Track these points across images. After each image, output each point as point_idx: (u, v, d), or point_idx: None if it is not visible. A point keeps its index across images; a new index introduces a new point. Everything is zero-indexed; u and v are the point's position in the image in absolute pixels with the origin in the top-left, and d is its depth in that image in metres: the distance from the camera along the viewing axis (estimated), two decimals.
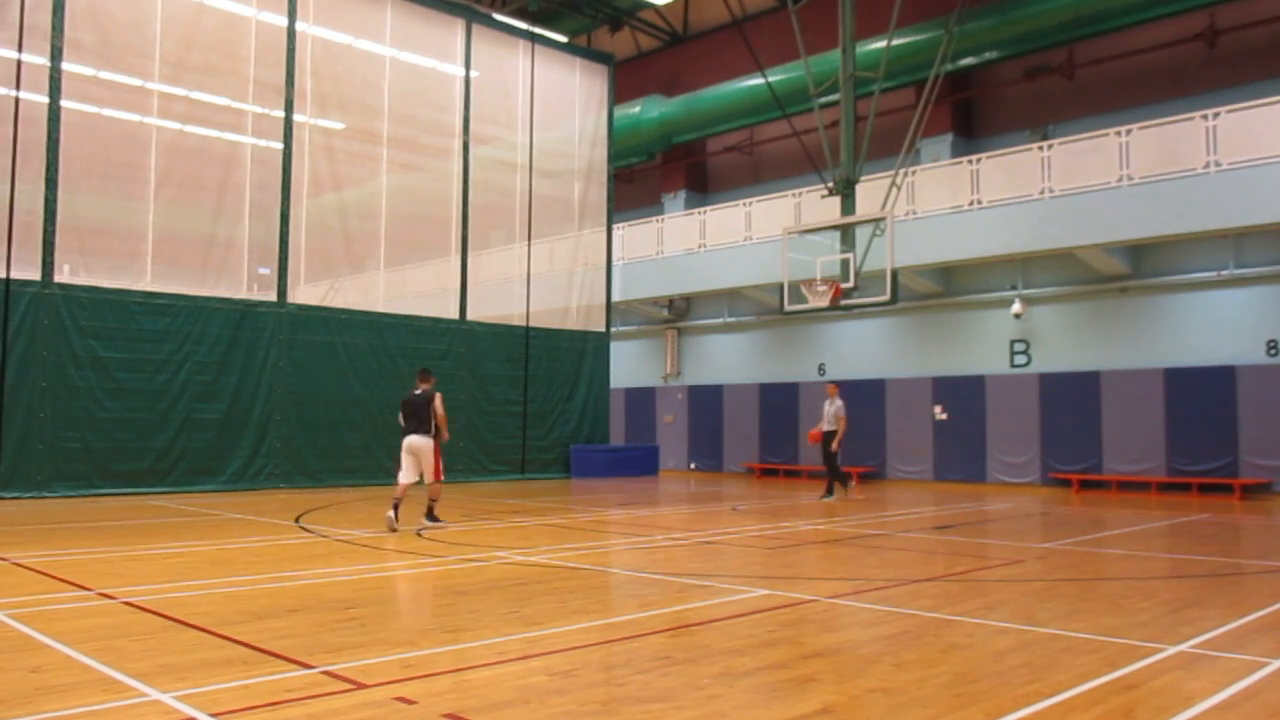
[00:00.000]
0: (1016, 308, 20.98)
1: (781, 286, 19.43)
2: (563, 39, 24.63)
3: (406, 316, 20.74)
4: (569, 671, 5.00)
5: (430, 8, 21.13)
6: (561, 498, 17.41)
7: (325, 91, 19.49)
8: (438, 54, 21.50)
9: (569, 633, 5.96)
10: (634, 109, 28.10)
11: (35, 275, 15.88)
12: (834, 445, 17.02)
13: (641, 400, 28.62)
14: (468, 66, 21.74)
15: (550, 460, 23.04)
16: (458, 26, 21.69)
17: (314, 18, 19.31)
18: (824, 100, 19.83)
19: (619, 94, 26.62)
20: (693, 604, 6.97)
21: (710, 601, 7.07)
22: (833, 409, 17.01)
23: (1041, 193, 19.42)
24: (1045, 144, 19.84)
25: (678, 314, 28.07)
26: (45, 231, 15.94)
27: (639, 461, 24.51)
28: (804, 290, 18.75)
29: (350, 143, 20.02)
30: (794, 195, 23.58)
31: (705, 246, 25.35)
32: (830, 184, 19.43)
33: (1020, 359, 21.21)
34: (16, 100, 15.73)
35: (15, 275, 15.67)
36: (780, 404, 25.07)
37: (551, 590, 7.47)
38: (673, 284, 26.22)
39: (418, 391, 12.24)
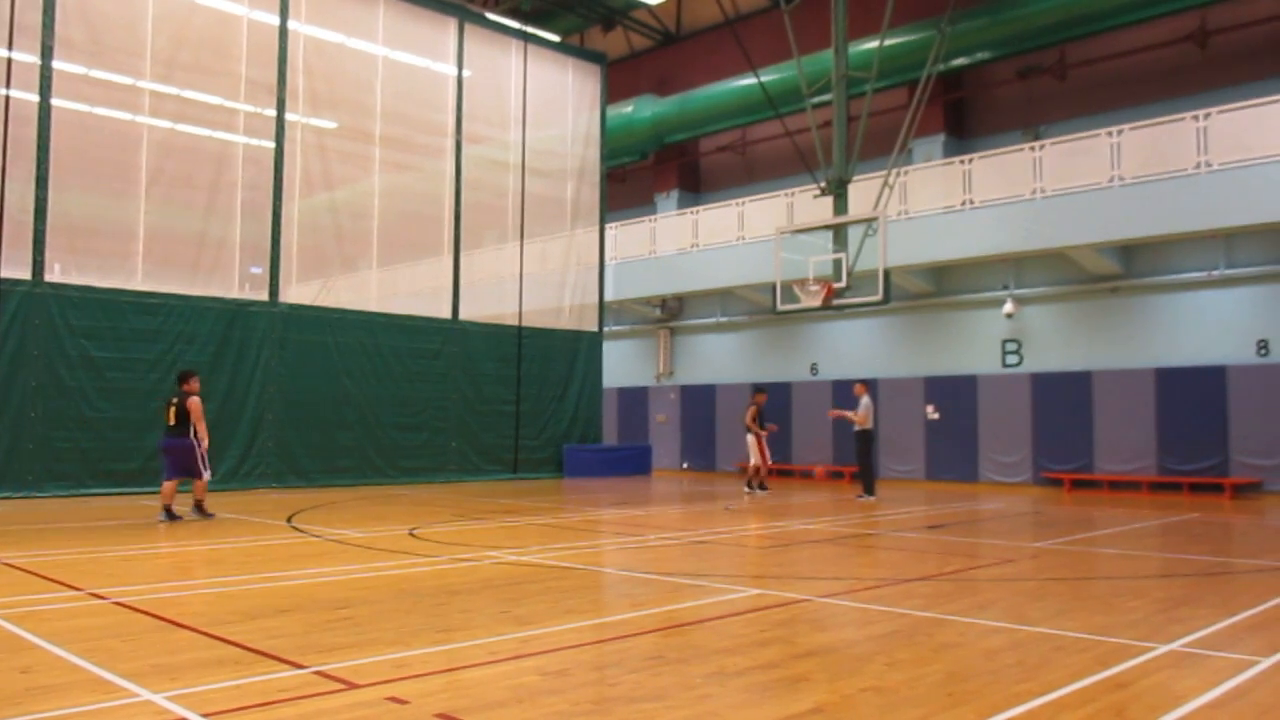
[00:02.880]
0: (1008, 307, 21.03)
1: (774, 286, 19.45)
2: (555, 38, 24.62)
3: (399, 316, 20.71)
4: (561, 671, 5.00)
5: (423, 7, 21.09)
6: (554, 497, 17.41)
7: (317, 90, 19.44)
8: (430, 53, 21.47)
9: (561, 632, 5.96)
10: (627, 109, 28.10)
11: (26, 274, 15.82)
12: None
13: (634, 400, 28.62)
14: (460, 66, 21.71)
15: (543, 460, 23.03)
16: (450, 25, 21.66)
17: (306, 16, 19.26)
18: (816, 100, 19.86)
19: (612, 93, 26.60)
20: (685, 603, 6.97)
21: (702, 601, 7.07)
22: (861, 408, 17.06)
23: (1033, 193, 19.48)
24: (1037, 144, 19.90)
25: (670, 314, 28.07)
26: (36, 230, 15.88)
27: (632, 461, 24.51)
28: (796, 290, 18.78)
29: (343, 142, 19.97)
30: (787, 195, 23.60)
31: (698, 246, 25.36)
32: (823, 184, 19.45)
33: (1012, 359, 21.26)
34: (7, 98, 15.67)
35: (6, 274, 15.61)
36: (773, 404, 25.03)
37: (544, 590, 7.46)
38: (665, 284, 26.23)
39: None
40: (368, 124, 20.34)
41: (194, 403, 12.57)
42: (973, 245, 20.30)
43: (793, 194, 23.38)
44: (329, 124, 19.79)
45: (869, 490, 17.09)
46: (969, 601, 7.08)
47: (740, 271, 23.89)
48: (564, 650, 5.50)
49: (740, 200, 24.98)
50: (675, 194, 29.32)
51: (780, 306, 19.34)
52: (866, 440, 17.12)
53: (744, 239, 24.17)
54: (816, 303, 18.52)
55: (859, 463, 17.44)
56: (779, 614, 6.57)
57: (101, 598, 7.00)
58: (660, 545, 10.59)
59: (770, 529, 12.42)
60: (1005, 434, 20.97)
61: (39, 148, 15.90)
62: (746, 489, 18.18)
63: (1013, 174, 19.88)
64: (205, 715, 4.15)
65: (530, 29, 23.52)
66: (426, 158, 21.63)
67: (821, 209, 20.21)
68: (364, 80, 20.38)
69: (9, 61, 15.74)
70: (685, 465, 27.13)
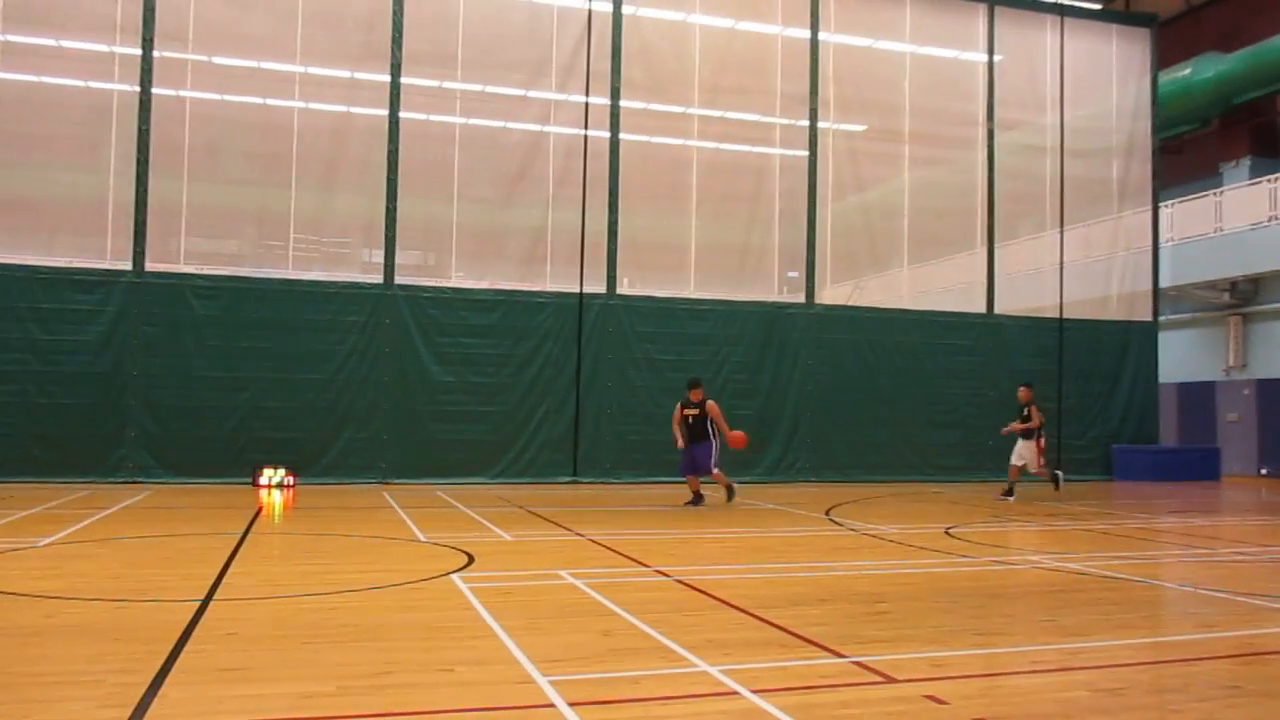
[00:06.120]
0: None
1: None
2: (1096, 6, 22.80)
3: (931, 312, 20.54)
4: (1115, 690, 4.66)
5: None
6: (1102, 501, 16.14)
7: (847, 96, 20.01)
8: (959, 43, 21.07)
9: (1113, 648, 5.54)
10: (1183, 71, 25.27)
11: (601, 289, 18.23)
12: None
13: (1197, 396, 25.55)
14: (990, 51, 21.01)
15: (1088, 460, 21.39)
16: (979, 12, 21.04)
17: (835, 25, 19.91)
18: None
19: (1164, 57, 23.99)
20: (1267, 629, 6.11)
21: None
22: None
23: None
24: None
25: (1242, 298, 24.62)
26: (609, 250, 18.27)
27: (1194, 465, 21.88)
28: None
29: (871, 143, 20.35)
30: None
31: (1276, 219, 22.03)
32: None
33: None
34: (585, 138, 18.17)
35: (588, 290, 18.11)
36: None
37: (1092, 600, 6.98)
38: (1235, 264, 23.14)
39: None
40: (896, 123, 20.49)
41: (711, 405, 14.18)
42: None
43: None
44: (858, 127, 20.25)
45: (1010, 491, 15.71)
46: None
47: None
48: (1117, 667, 5.11)
49: None
50: (1246, 161, 25.72)
51: None
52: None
53: None
54: None
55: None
56: None
57: (665, 575, 7.83)
58: (1233, 561, 9.37)
59: None
60: None
61: (610, 178, 18.26)
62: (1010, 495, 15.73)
63: None
64: (754, 690, 4.48)
65: (1067, 1, 22.04)
66: (956, 150, 21.25)
67: None
68: (892, 80, 20.54)
69: (586, 106, 18.19)
70: (1263, 471, 23.64)
